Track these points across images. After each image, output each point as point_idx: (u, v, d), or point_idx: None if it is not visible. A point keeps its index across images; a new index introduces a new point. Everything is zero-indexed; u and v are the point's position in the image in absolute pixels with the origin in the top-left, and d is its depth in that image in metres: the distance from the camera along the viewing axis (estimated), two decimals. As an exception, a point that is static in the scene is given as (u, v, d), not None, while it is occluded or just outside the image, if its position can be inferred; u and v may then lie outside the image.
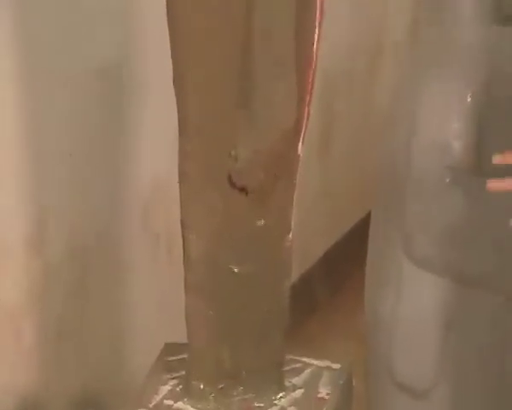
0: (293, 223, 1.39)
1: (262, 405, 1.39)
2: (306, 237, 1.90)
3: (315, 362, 1.48)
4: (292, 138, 1.32)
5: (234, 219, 1.34)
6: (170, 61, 1.34)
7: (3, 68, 1.46)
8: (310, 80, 1.31)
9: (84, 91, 1.62)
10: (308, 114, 1.32)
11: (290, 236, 1.37)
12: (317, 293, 2.43)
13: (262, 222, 1.34)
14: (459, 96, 1.66)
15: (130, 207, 1.78)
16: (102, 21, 1.63)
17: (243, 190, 1.32)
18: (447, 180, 1.60)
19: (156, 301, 1.76)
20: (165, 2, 1.32)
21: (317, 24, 1.28)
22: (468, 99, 1.65)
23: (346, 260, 2.35)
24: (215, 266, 1.35)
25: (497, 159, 1.39)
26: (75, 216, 1.63)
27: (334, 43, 1.86)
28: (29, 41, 1.50)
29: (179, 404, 1.38)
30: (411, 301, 1.62)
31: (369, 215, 1.81)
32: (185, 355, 1.42)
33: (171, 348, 1.48)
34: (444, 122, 1.59)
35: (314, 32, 1.28)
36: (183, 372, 1.42)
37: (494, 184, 1.36)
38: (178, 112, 1.29)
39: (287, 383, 1.42)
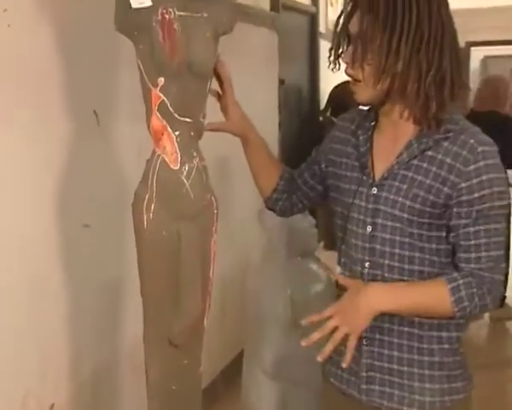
0: (202, 360, 1.50)
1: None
2: (211, 361, 1.87)
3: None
4: (200, 319, 1.46)
5: (172, 360, 1.45)
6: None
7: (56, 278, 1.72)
8: (209, 289, 1.46)
9: (100, 292, 1.85)
10: (209, 305, 1.47)
11: (201, 367, 1.51)
12: (218, 391, 2.58)
13: (186, 361, 1.47)
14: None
15: (123, 353, 2.09)
16: (111, 253, 1.87)
17: (176, 346, 1.44)
18: (277, 332, 1.94)
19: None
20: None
21: (212, 260, 1.46)
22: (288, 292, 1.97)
23: (233, 373, 2.50)
24: (162, 387, 1.44)
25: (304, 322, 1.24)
26: (96, 355, 1.86)
27: (222, 265, 1.84)
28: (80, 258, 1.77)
29: None
30: (264, 397, 2.01)
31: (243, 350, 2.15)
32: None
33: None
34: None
35: (210, 265, 1.46)
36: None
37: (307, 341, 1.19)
38: (143, 305, 1.41)
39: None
